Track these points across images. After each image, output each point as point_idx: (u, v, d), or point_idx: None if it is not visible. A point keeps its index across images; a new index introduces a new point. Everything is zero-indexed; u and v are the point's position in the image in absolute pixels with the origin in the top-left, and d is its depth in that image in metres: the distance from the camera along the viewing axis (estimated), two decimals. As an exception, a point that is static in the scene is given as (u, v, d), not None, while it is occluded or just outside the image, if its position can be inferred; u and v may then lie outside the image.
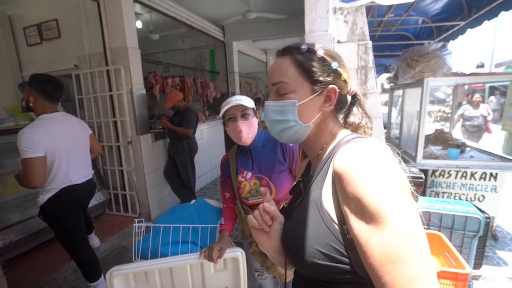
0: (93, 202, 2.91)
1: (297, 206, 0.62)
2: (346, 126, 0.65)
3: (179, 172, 3.55)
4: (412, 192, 0.47)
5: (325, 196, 0.54)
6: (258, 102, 5.76)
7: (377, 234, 0.42)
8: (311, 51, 0.61)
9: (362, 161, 0.47)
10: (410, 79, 2.83)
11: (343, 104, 0.66)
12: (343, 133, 0.62)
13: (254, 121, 1.24)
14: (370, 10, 3.47)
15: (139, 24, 4.54)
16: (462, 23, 3.32)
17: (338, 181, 0.49)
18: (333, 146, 0.59)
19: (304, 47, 0.61)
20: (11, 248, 2.28)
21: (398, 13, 3.71)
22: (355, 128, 0.64)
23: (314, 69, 0.59)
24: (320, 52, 0.60)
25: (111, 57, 3.06)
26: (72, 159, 1.80)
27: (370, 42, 2.04)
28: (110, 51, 3.05)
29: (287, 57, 0.61)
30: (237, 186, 1.28)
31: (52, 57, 3.45)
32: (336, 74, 0.61)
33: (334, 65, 0.60)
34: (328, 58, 0.61)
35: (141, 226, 1.43)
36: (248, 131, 1.21)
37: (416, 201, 0.46)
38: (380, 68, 6.03)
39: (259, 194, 1.22)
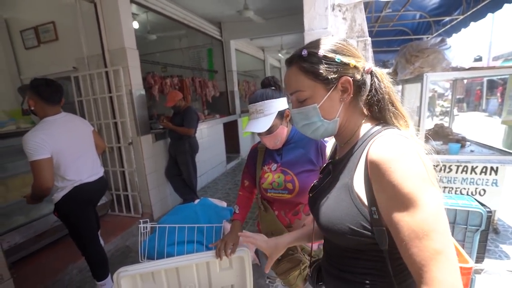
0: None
1: (327, 186, 0.69)
2: (370, 114, 0.68)
3: (180, 172, 3.56)
4: (438, 180, 0.53)
5: (356, 181, 0.60)
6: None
7: (407, 216, 0.50)
8: (312, 53, 0.64)
9: (396, 153, 0.52)
10: (410, 75, 2.83)
11: (363, 86, 0.65)
12: (368, 124, 0.66)
13: (280, 130, 1.15)
14: (368, 6, 3.46)
15: (136, 25, 4.52)
16: (461, 17, 3.32)
17: (374, 170, 0.55)
18: (362, 135, 0.64)
19: (305, 52, 0.65)
20: (16, 250, 2.30)
21: (396, 8, 3.71)
22: (378, 117, 0.66)
23: (320, 70, 0.63)
24: (321, 52, 0.63)
25: (110, 59, 3.05)
26: (79, 158, 1.83)
27: (369, 39, 2.05)
28: (108, 52, 3.04)
29: (294, 66, 0.67)
30: (259, 176, 1.23)
31: (50, 59, 3.44)
32: (344, 65, 0.63)
33: (338, 58, 0.62)
34: (329, 54, 0.63)
35: (146, 227, 1.44)
36: (274, 141, 1.17)
37: (440, 187, 0.53)
38: (378, 64, 6.03)
39: (280, 189, 1.17)
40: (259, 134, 1.15)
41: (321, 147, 1.18)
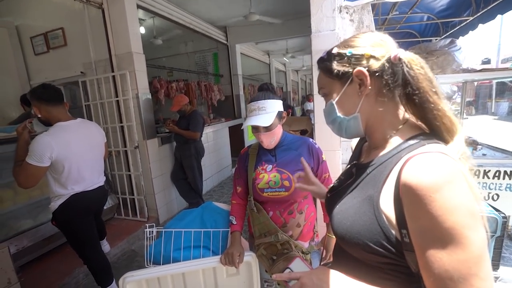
0: (102, 207, 2.92)
1: (348, 190, 0.65)
2: (413, 118, 0.60)
3: (186, 176, 3.55)
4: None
5: (384, 198, 0.53)
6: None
7: (444, 254, 0.43)
8: (329, 53, 0.66)
9: (439, 179, 0.44)
10: (418, 77, 2.78)
11: (388, 77, 0.57)
12: (407, 131, 0.58)
13: (278, 129, 1.21)
14: (374, 8, 3.44)
15: (142, 30, 4.57)
16: (470, 18, 3.27)
17: (408, 194, 0.47)
18: (398, 145, 0.57)
19: (323, 54, 0.68)
20: (24, 253, 2.31)
21: (403, 10, 3.67)
22: (422, 120, 0.58)
23: (333, 66, 0.64)
24: (335, 50, 0.64)
25: (117, 63, 3.09)
26: (84, 166, 1.81)
27: (377, 40, 2.02)
28: (115, 57, 3.08)
29: (319, 69, 0.70)
30: (253, 178, 1.24)
31: (59, 65, 3.50)
32: (356, 57, 0.61)
33: (348, 52, 0.61)
34: (342, 50, 0.63)
35: (152, 231, 1.42)
36: (270, 140, 1.20)
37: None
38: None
39: (277, 187, 1.18)
40: (257, 131, 1.19)
41: (312, 149, 1.25)
